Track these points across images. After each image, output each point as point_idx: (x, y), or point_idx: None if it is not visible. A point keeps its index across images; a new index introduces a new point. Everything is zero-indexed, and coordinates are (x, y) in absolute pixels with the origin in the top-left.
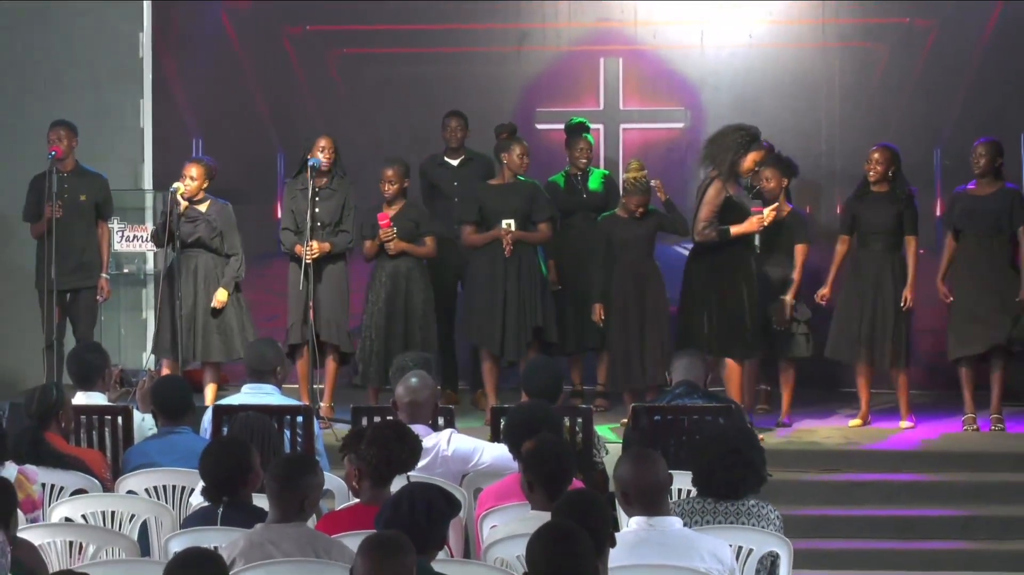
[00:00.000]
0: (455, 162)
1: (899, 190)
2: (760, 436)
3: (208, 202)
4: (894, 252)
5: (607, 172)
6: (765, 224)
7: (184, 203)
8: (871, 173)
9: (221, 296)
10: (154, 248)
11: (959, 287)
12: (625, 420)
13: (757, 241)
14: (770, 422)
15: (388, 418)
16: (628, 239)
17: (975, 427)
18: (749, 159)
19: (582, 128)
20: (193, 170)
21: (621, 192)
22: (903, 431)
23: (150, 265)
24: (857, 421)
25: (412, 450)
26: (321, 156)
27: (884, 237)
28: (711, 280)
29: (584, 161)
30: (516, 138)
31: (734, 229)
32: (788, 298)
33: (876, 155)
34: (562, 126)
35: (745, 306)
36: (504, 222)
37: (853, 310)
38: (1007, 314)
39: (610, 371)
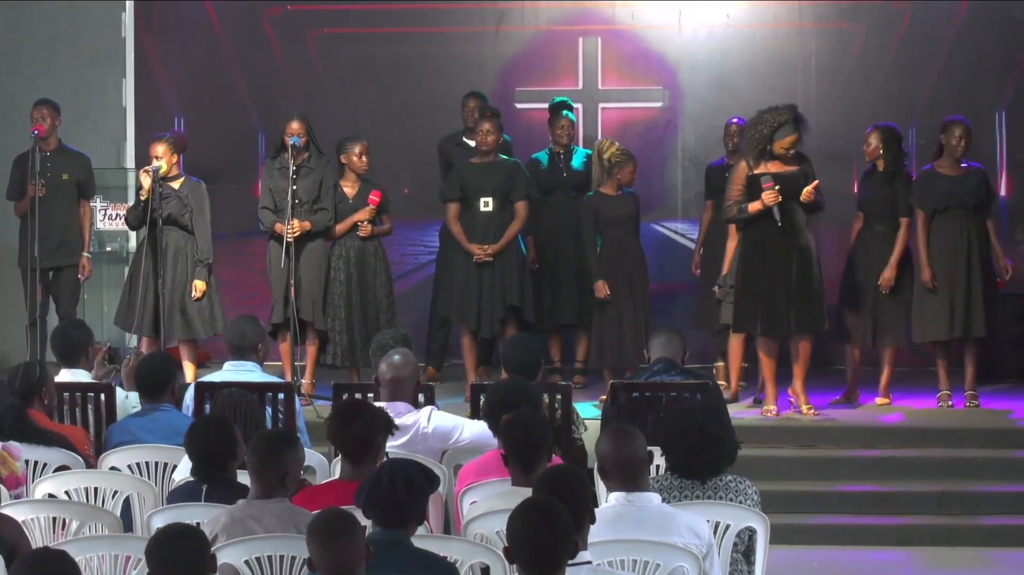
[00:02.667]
0: (473, 142)
1: (888, 170)
2: (811, 411)
3: (182, 179)
4: (895, 232)
5: (591, 151)
6: (769, 202)
7: (147, 185)
8: (866, 154)
9: (200, 286)
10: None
11: (943, 269)
12: (604, 397)
13: (777, 216)
14: (747, 399)
15: (354, 396)
16: (614, 217)
17: (950, 404)
18: (778, 145)
19: (563, 106)
20: (159, 148)
21: (607, 172)
22: (879, 407)
23: (132, 243)
24: (840, 399)
25: (369, 427)
26: (286, 140)
27: (882, 217)
28: (739, 258)
29: (565, 139)
30: (485, 117)
31: (751, 206)
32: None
33: (870, 136)
34: (541, 105)
35: (751, 283)
36: (483, 204)
37: (853, 290)
38: (979, 301)
39: (594, 349)
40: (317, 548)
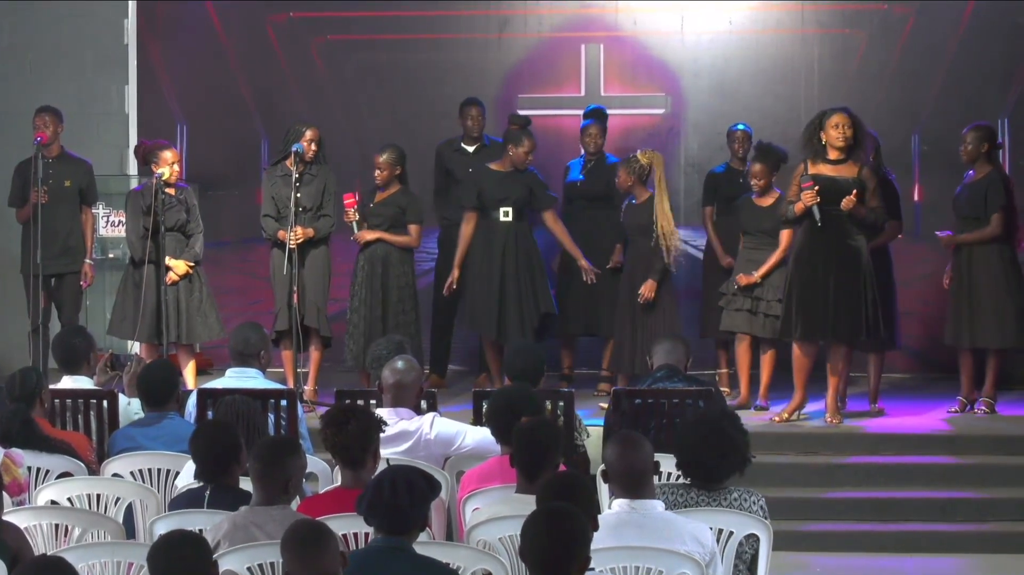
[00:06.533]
0: (471, 148)
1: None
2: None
3: (173, 186)
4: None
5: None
6: (807, 202)
7: (170, 189)
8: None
9: (180, 269)
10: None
11: (953, 276)
12: (602, 404)
13: (817, 217)
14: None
15: (356, 402)
16: (632, 226)
17: (961, 410)
18: (828, 126)
19: (591, 115)
20: (168, 154)
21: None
22: (880, 414)
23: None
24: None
25: (362, 430)
26: (306, 146)
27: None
28: (789, 262)
29: (592, 147)
30: (527, 132)
31: (795, 207)
32: (757, 275)
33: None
34: (544, 112)
35: (792, 288)
36: (503, 214)
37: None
38: (990, 311)
39: (614, 355)
40: (292, 560)
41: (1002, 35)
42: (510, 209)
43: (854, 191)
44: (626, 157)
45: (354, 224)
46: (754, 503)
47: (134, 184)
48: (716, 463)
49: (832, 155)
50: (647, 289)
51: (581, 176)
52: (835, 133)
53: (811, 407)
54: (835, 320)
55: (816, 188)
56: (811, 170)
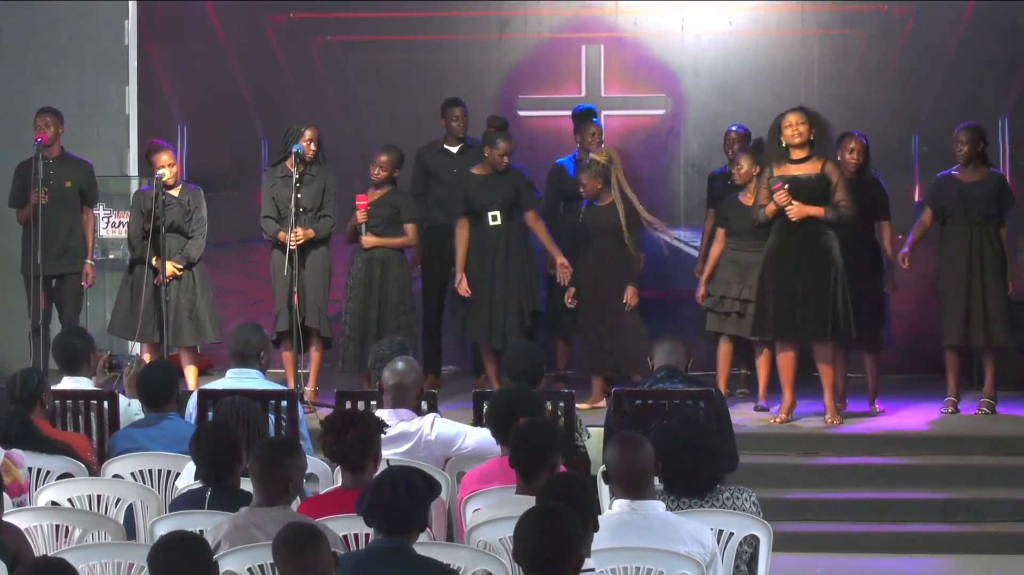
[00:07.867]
0: (455, 149)
1: (866, 175)
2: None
3: (180, 187)
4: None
5: None
6: (780, 202)
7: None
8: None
9: (170, 268)
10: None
11: (951, 275)
12: (586, 405)
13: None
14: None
15: (356, 404)
16: (595, 227)
17: (954, 410)
18: (784, 126)
19: (592, 114)
20: (165, 156)
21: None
22: (879, 415)
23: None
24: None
25: (364, 434)
26: (306, 146)
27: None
28: (760, 263)
29: (596, 147)
30: (503, 134)
31: (767, 209)
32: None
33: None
34: (544, 113)
35: (763, 288)
36: (491, 218)
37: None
38: (999, 310)
39: (585, 356)
40: (284, 562)
41: (1002, 35)
42: (498, 212)
43: (786, 189)
44: (583, 163)
45: (362, 226)
46: (746, 500)
47: (134, 184)
48: (699, 478)
49: (794, 155)
50: (631, 296)
51: (574, 174)
52: (790, 132)
53: (811, 407)
54: (803, 319)
55: (787, 187)
56: (777, 172)
